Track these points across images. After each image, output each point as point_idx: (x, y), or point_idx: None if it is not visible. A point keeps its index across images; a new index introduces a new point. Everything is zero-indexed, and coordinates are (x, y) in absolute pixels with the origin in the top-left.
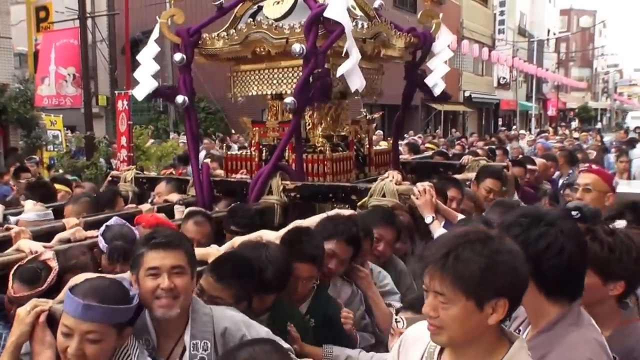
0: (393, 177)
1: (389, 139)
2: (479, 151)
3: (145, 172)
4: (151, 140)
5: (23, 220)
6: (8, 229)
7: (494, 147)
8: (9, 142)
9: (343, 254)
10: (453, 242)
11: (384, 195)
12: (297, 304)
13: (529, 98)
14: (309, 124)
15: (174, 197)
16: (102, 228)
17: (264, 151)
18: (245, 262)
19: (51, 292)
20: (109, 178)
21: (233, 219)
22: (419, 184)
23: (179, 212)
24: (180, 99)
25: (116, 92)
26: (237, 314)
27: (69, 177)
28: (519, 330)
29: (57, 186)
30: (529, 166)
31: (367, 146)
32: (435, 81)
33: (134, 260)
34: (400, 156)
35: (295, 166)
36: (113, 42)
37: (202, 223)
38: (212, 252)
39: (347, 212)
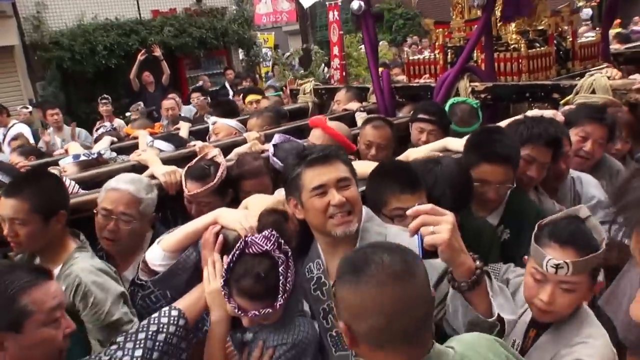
0: (606, 72)
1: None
2: None
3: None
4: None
5: (221, 124)
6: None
7: None
8: (232, 61)
9: (543, 158)
10: None
11: (593, 92)
12: (487, 214)
13: None
14: (500, 20)
15: (354, 105)
16: (271, 148)
17: (448, 53)
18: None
19: (225, 189)
20: (287, 92)
21: (421, 108)
22: (637, 75)
23: (360, 118)
24: (355, 4)
25: (327, 3)
26: (413, 240)
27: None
28: None
29: (250, 97)
30: None
31: (570, 39)
32: None
33: (289, 184)
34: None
35: (485, 66)
36: None
37: (380, 127)
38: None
39: (548, 112)
